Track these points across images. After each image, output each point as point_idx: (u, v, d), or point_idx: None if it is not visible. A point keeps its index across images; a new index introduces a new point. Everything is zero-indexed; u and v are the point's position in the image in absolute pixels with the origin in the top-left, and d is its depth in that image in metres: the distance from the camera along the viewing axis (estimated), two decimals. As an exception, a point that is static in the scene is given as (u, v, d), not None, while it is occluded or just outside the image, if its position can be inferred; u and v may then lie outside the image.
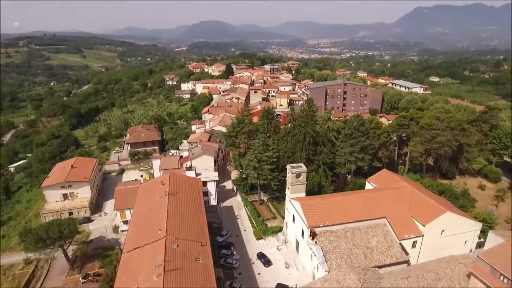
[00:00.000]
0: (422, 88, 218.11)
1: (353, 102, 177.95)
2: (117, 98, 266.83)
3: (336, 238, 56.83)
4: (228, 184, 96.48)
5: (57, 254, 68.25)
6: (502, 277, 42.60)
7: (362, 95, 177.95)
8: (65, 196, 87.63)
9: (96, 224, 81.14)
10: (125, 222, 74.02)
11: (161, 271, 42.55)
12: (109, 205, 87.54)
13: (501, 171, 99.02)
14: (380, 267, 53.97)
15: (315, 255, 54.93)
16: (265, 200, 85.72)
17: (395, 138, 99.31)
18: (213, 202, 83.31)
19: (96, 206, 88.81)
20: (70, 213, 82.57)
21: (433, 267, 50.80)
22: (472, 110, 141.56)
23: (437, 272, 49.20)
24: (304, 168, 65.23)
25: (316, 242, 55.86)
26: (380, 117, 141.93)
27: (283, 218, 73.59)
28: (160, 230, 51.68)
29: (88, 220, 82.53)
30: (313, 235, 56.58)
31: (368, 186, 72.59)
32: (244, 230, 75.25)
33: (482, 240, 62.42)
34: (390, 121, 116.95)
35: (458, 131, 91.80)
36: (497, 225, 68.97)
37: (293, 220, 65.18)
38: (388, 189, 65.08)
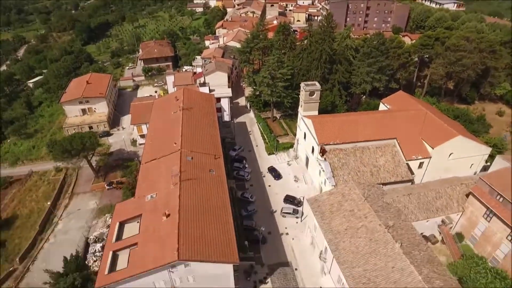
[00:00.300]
0: (456, 4, 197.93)
1: (376, 19, 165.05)
2: (127, 11, 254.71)
3: (345, 155, 58.54)
4: (242, 101, 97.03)
5: (83, 164, 73.70)
6: (499, 197, 44.28)
7: (386, 12, 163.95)
8: (83, 111, 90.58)
9: (115, 137, 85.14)
10: (142, 136, 77.34)
11: (177, 180, 45.85)
12: (126, 120, 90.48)
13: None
14: (385, 184, 56.55)
15: (323, 170, 57.37)
16: (278, 117, 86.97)
17: (416, 59, 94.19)
18: (226, 118, 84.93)
19: (113, 121, 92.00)
20: (90, 127, 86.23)
21: (435, 186, 52.88)
22: (509, 29, 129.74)
23: (438, 191, 51.35)
24: (318, 86, 64.11)
25: (325, 159, 57.87)
26: (403, 36, 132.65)
27: (295, 135, 75.20)
28: (175, 143, 54.12)
29: (108, 134, 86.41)
30: (322, 152, 58.29)
31: (382, 107, 71.75)
32: (256, 146, 77.99)
33: (488, 164, 63.14)
34: (414, 41, 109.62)
35: (487, 53, 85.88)
36: (507, 151, 69.04)
37: (304, 137, 66.63)
38: (402, 110, 64.28)
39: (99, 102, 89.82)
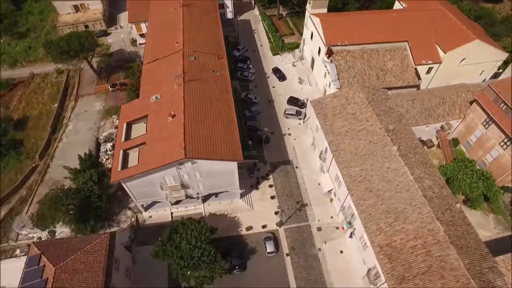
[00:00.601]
0: None
1: None
2: None
3: (352, 58, 56.39)
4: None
5: (84, 65, 72.17)
6: (502, 105, 43.97)
7: None
8: (76, 8, 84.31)
9: (113, 37, 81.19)
10: (142, 35, 73.74)
11: (181, 81, 45.34)
12: (123, 17, 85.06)
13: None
14: (390, 88, 55.72)
15: (329, 72, 56.08)
16: (284, 15, 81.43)
17: None
18: (229, 15, 79.80)
19: (110, 19, 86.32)
20: (86, 26, 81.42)
21: (440, 92, 52.18)
22: None
23: (443, 97, 50.86)
24: (329, -20, 58.12)
25: (331, 61, 55.98)
26: None
27: (301, 34, 71.35)
28: (177, 42, 51.87)
29: (105, 33, 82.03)
30: (329, 53, 56.00)
31: (397, 5, 65.94)
32: (261, 45, 74.79)
33: (501, 71, 60.96)
34: None
35: None
36: None
37: (311, 37, 63.32)
38: (417, 10, 59.25)
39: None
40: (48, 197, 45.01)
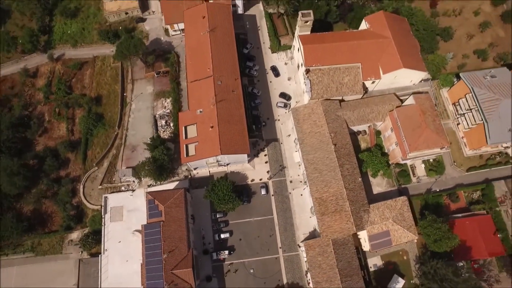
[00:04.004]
0: None
1: None
2: None
3: (322, 74, 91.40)
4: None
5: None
6: (398, 122, 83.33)
7: None
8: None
9: (149, 23, 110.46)
10: (174, 30, 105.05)
11: (214, 102, 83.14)
12: (153, 3, 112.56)
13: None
14: (345, 95, 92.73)
15: (305, 84, 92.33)
16: (282, 13, 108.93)
17: None
18: (239, 11, 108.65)
19: (142, 4, 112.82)
20: (126, 13, 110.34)
21: (372, 104, 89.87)
22: None
23: (372, 108, 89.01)
24: (312, 17, 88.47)
25: (308, 77, 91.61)
26: None
27: (293, 34, 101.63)
28: (208, 68, 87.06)
29: (142, 19, 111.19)
30: (307, 71, 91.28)
31: (363, 25, 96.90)
32: (263, 43, 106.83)
33: (429, 76, 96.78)
34: None
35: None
36: (445, 69, 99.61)
37: (298, 50, 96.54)
38: (372, 39, 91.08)
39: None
40: (140, 164, 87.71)
